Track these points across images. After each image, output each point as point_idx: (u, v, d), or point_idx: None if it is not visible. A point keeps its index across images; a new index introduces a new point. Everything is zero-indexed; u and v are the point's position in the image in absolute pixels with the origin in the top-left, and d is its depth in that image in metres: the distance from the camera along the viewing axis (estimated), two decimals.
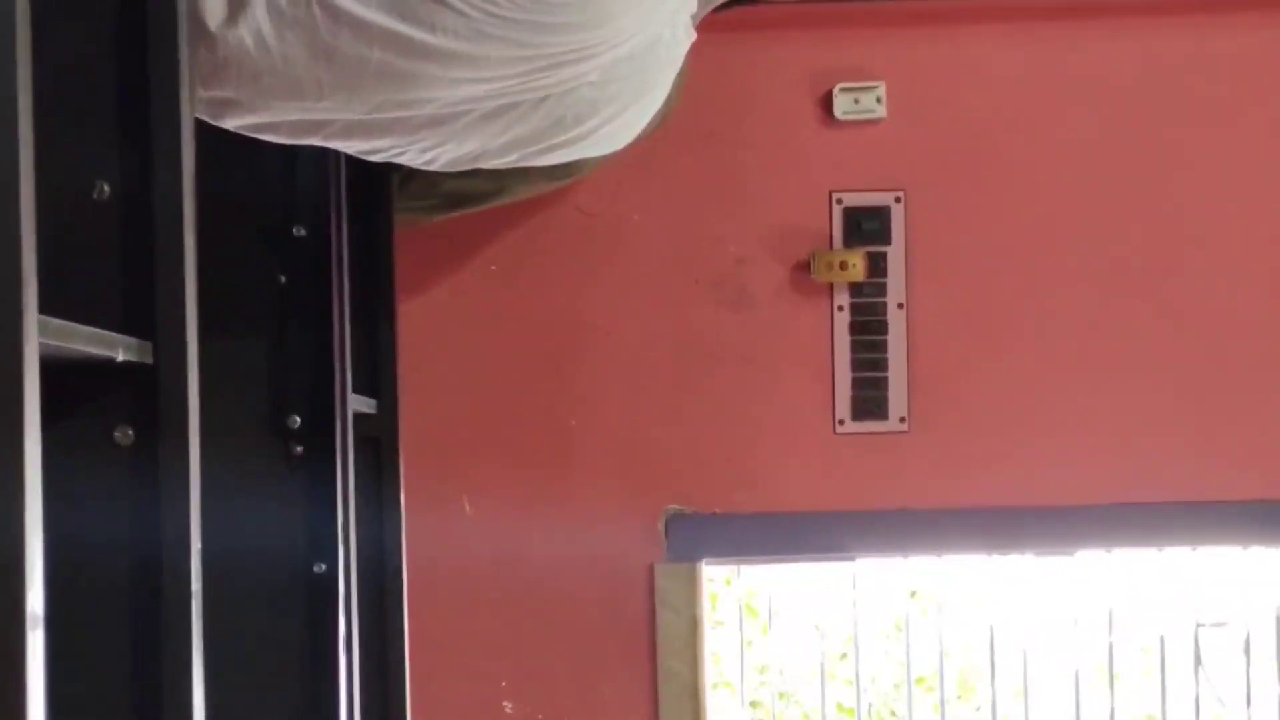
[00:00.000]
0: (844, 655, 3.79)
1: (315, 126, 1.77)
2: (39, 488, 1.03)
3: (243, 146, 1.88)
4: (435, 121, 1.80)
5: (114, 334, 1.31)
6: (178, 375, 1.38)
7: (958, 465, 2.85)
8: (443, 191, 2.44)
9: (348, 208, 1.99)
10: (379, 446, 2.34)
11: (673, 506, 2.83)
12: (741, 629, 3.39)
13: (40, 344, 1.06)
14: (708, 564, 2.87)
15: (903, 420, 2.82)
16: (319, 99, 1.71)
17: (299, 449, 1.93)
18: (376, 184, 2.32)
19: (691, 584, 2.83)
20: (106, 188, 1.35)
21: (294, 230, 1.91)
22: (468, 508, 2.83)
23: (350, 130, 1.79)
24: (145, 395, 1.37)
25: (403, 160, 1.91)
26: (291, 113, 1.74)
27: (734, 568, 3.18)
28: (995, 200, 2.84)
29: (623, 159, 2.56)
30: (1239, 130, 2.84)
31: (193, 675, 1.36)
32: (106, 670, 1.35)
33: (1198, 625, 3.42)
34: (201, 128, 1.46)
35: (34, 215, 1.04)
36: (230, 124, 1.73)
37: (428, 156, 1.89)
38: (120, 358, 1.31)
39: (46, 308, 1.10)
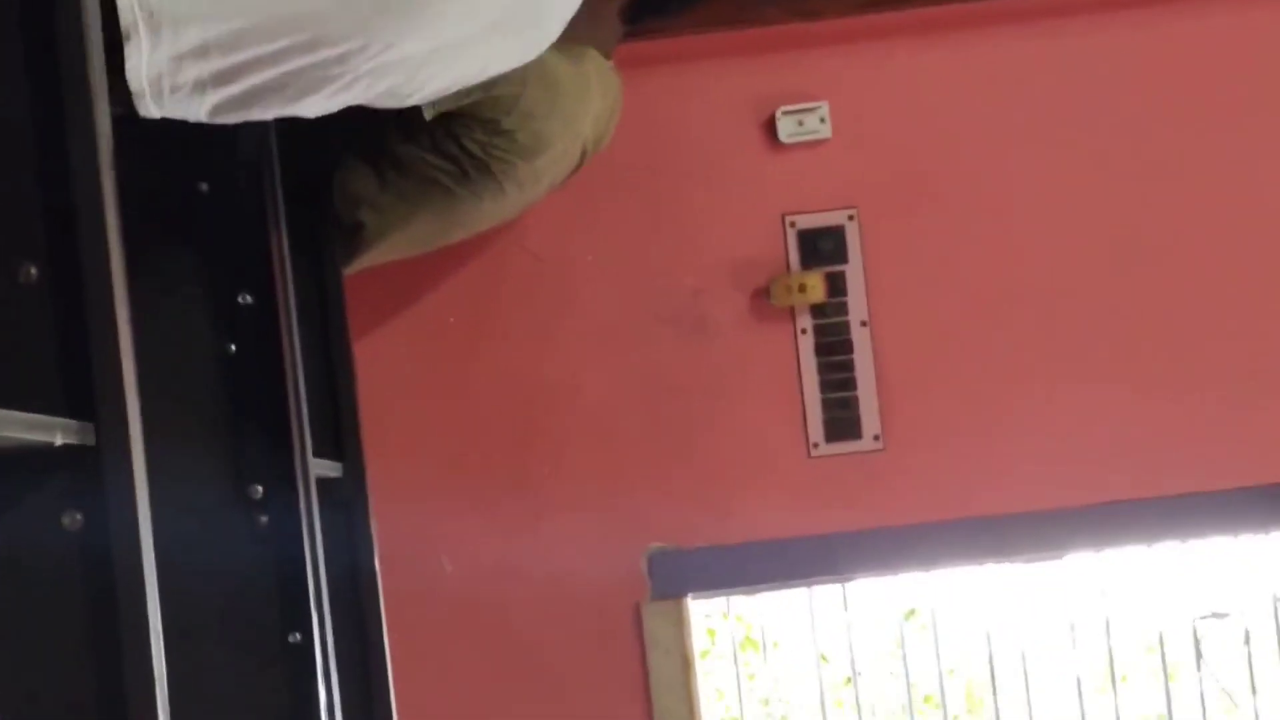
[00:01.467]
0: (848, 680, 3.76)
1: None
2: None
3: (181, 217, 1.87)
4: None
5: (52, 417, 1.29)
6: (123, 454, 1.36)
7: (937, 478, 2.83)
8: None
9: (292, 268, 1.97)
10: (348, 509, 2.31)
11: (655, 544, 2.81)
12: (737, 663, 3.37)
13: None
14: (694, 598, 2.85)
15: (877, 438, 2.80)
16: None
17: (264, 519, 1.90)
18: (320, 242, 2.30)
19: (679, 620, 2.80)
20: (34, 270, 1.32)
21: (240, 298, 1.89)
22: (447, 566, 2.80)
23: None
24: (90, 477, 1.35)
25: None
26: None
27: (726, 600, 3.16)
28: (949, 210, 2.83)
29: (568, 200, 2.56)
30: (1200, 130, 2.84)
31: None
32: None
33: (1196, 619, 3.40)
34: (132, 202, 1.44)
35: None
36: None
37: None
38: (59, 441, 1.28)
39: None
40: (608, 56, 2.48)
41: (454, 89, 1.99)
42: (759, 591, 3.02)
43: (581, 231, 2.81)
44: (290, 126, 1.91)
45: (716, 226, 2.82)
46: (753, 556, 2.81)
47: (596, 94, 2.44)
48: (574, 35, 2.37)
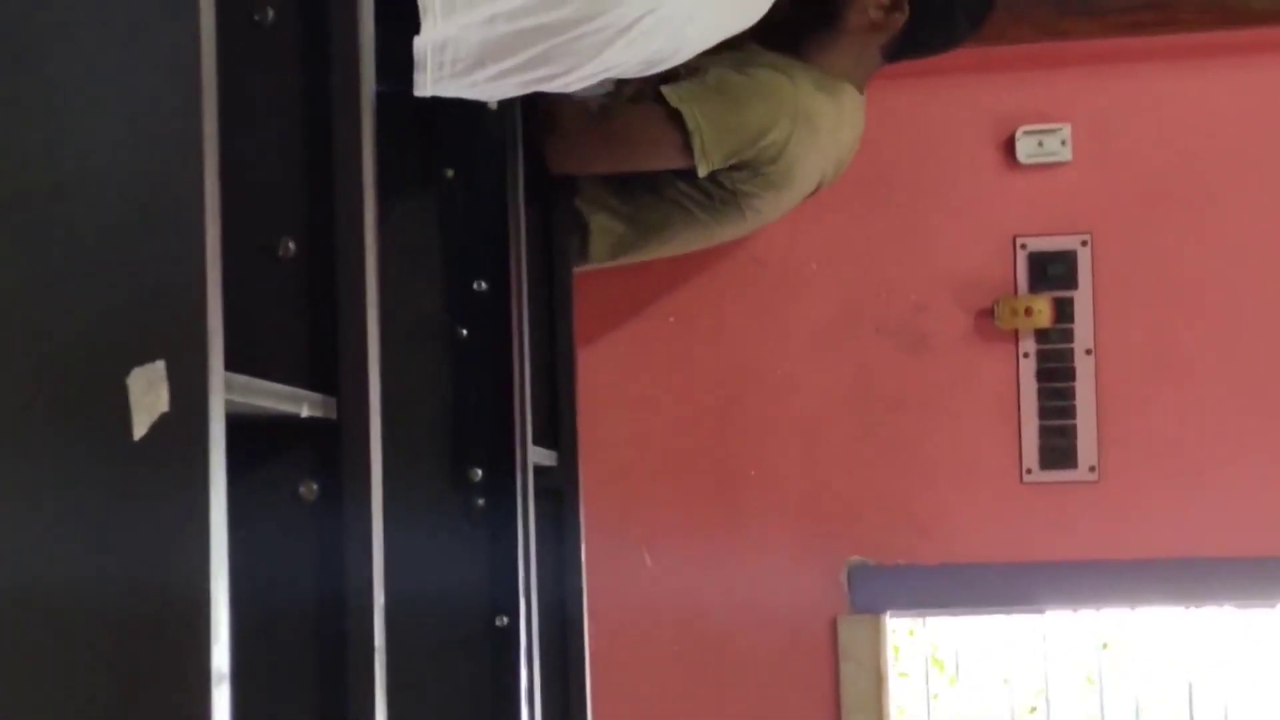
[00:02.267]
0: (1033, 709, 3.69)
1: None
2: (224, 543, 1.03)
3: (426, 201, 1.90)
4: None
5: (299, 390, 1.32)
6: (361, 430, 1.39)
7: (1151, 514, 2.76)
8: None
9: (527, 261, 1.99)
10: (559, 499, 2.33)
11: (855, 558, 2.79)
12: (928, 682, 3.32)
13: (226, 401, 1.07)
14: (892, 616, 2.82)
15: (1092, 469, 2.75)
16: None
17: (480, 502, 1.93)
18: (555, 236, 2.32)
19: (875, 636, 2.78)
20: (291, 245, 1.36)
21: (474, 285, 1.92)
22: (648, 561, 2.81)
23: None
24: (329, 450, 1.37)
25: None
26: None
27: (918, 618, 3.12)
28: (1186, 240, 2.76)
29: (800, 210, 2.55)
30: None
31: None
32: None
33: None
34: (382, 183, 1.47)
35: (220, 273, 1.05)
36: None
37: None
38: (305, 414, 1.31)
39: (232, 364, 1.11)
40: (861, 90, 2.48)
41: (702, 49, 2.00)
42: (959, 615, 2.98)
43: (807, 238, 2.80)
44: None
45: (945, 242, 2.79)
46: (955, 578, 2.77)
47: (847, 127, 2.44)
48: (834, 69, 2.38)
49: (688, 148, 2.29)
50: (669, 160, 2.34)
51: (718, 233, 2.49)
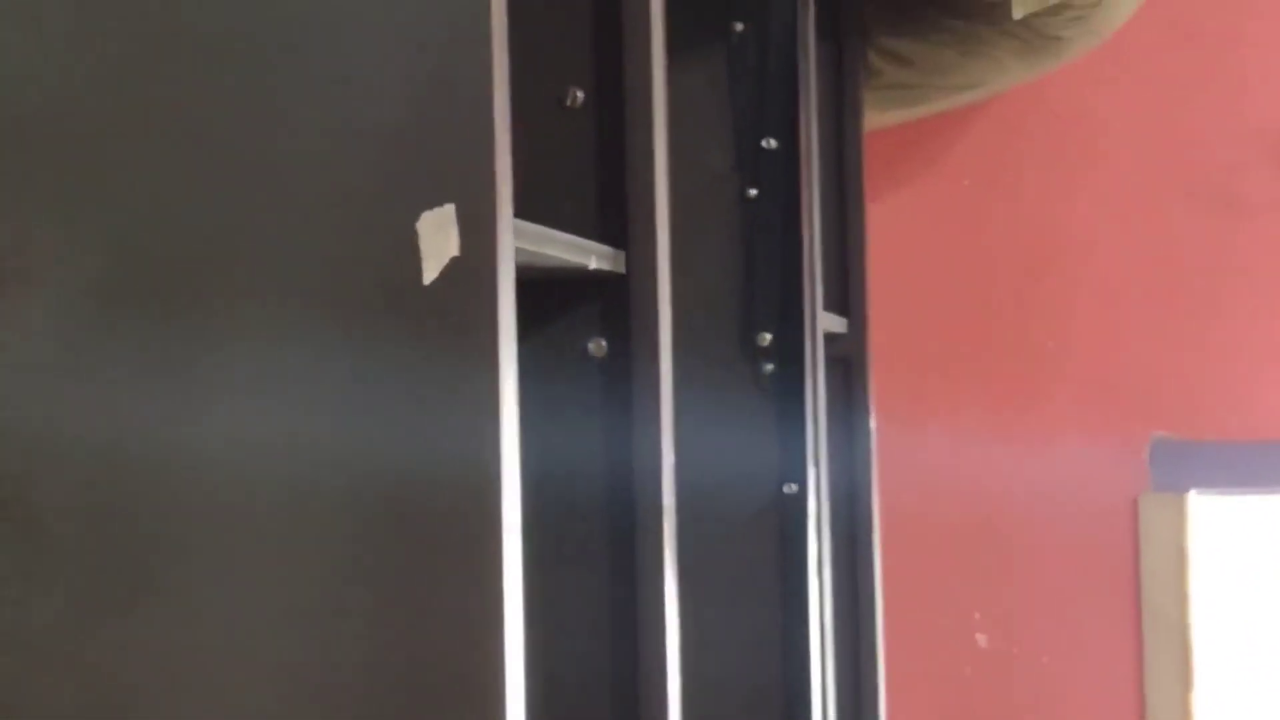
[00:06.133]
0: None
1: None
2: (515, 399, 1.01)
3: (715, 56, 1.85)
4: None
5: (587, 241, 1.29)
6: (650, 286, 1.36)
7: None
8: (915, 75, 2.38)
9: (817, 119, 1.93)
10: (848, 366, 2.28)
11: (1159, 433, 2.66)
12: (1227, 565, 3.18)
13: (515, 249, 1.04)
14: (1197, 495, 2.69)
15: None
16: None
17: (769, 367, 1.89)
18: (847, 94, 2.25)
19: (1179, 516, 2.66)
20: (580, 94, 1.32)
21: (764, 142, 1.86)
22: (938, 432, 2.73)
23: None
24: (618, 307, 1.35)
25: None
26: None
27: (1224, 499, 2.98)
28: None
29: (1097, 57, 2.42)
30: None
31: (666, 591, 1.34)
32: (581, 584, 1.34)
33: None
34: (671, 36, 1.42)
35: (508, 116, 1.02)
36: None
37: None
38: (593, 265, 1.28)
39: (521, 215, 1.08)
40: None
41: None
42: (1271, 494, 2.83)
43: (1109, 91, 2.65)
44: None
45: (1260, 98, 2.62)
46: (1267, 455, 2.63)
47: None
48: None
49: None
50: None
51: (1020, 77, 2.38)
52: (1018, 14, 2.17)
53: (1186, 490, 2.67)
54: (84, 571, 1.01)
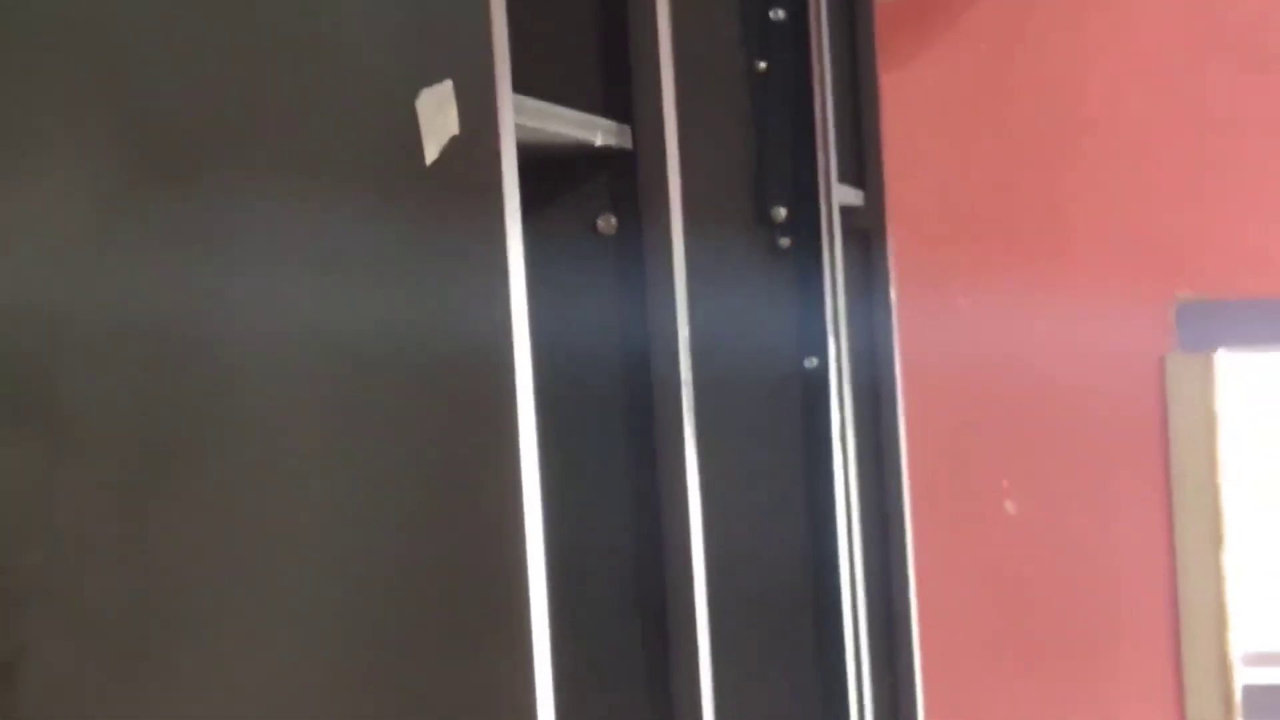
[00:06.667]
0: None
1: None
2: (522, 276, 1.00)
3: None
4: None
5: (592, 116, 1.28)
6: (658, 160, 1.34)
7: None
8: None
9: None
10: (866, 239, 2.26)
11: (1185, 293, 2.64)
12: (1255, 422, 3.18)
13: (517, 125, 1.03)
14: (1224, 353, 2.68)
15: None
16: None
17: (784, 241, 1.87)
18: None
19: (1206, 376, 2.65)
20: None
21: (771, 13, 1.84)
22: (961, 300, 2.72)
23: None
24: (625, 182, 1.34)
25: None
26: None
27: (1250, 358, 2.97)
28: None
29: None
30: None
31: (686, 467, 1.34)
32: (598, 461, 1.34)
33: None
34: None
35: None
36: None
37: None
38: (599, 141, 1.27)
39: (523, 91, 1.07)
40: None
41: None
42: None
43: None
44: None
45: None
46: None
47: None
48: None
49: None
50: None
51: None
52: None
53: (1213, 350, 2.66)
54: (118, 464, 1.01)
